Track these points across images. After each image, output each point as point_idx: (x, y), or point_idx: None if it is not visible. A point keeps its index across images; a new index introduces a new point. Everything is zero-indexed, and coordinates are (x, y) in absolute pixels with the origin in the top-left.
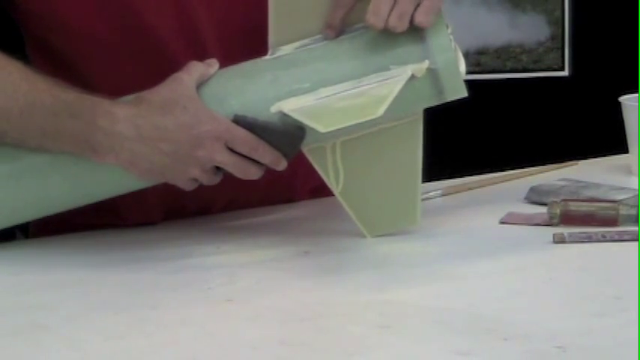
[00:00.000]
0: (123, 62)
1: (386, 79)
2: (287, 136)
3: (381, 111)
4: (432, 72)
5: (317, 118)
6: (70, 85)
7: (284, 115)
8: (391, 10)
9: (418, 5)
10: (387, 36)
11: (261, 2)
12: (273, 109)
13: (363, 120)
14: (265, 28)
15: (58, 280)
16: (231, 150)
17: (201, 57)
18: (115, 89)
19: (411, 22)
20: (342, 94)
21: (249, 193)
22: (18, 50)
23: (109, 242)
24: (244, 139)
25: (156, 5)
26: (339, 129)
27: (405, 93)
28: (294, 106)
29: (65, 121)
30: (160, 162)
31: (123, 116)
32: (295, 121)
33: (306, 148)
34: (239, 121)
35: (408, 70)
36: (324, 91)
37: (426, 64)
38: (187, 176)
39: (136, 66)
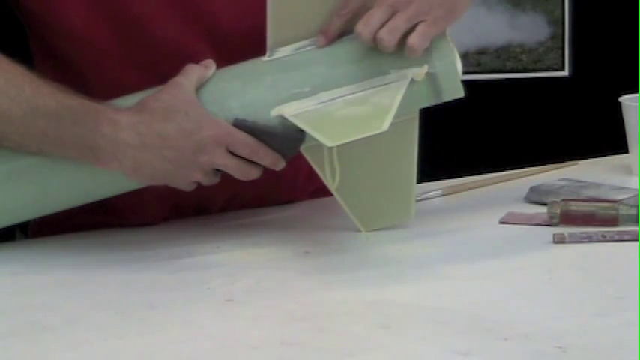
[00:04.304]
0: (122, 65)
1: (386, 84)
2: (287, 139)
3: (386, 125)
4: (431, 75)
5: (323, 130)
6: (72, 88)
7: (284, 119)
8: (383, 23)
9: (414, 27)
10: None
11: (260, 8)
12: (274, 113)
13: (369, 134)
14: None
15: (58, 280)
16: (232, 153)
17: (200, 60)
18: (114, 91)
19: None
20: (343, 99)
21: (248, 192)
22: (22, 50)
23: (109, 242)
24: (245, 143)
25: (155, 10)
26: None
27: (404, 95)
28: (294, 111)
29: (68, 127)
30: (162, 168)
31: (126, 124)
32: (296, 124)
33: (303, 147)
34: (239, 125)
35: (407, 75)
36: (324, 95)
37: (425, 68)
38: (189, 180)
39: (134, 69)
